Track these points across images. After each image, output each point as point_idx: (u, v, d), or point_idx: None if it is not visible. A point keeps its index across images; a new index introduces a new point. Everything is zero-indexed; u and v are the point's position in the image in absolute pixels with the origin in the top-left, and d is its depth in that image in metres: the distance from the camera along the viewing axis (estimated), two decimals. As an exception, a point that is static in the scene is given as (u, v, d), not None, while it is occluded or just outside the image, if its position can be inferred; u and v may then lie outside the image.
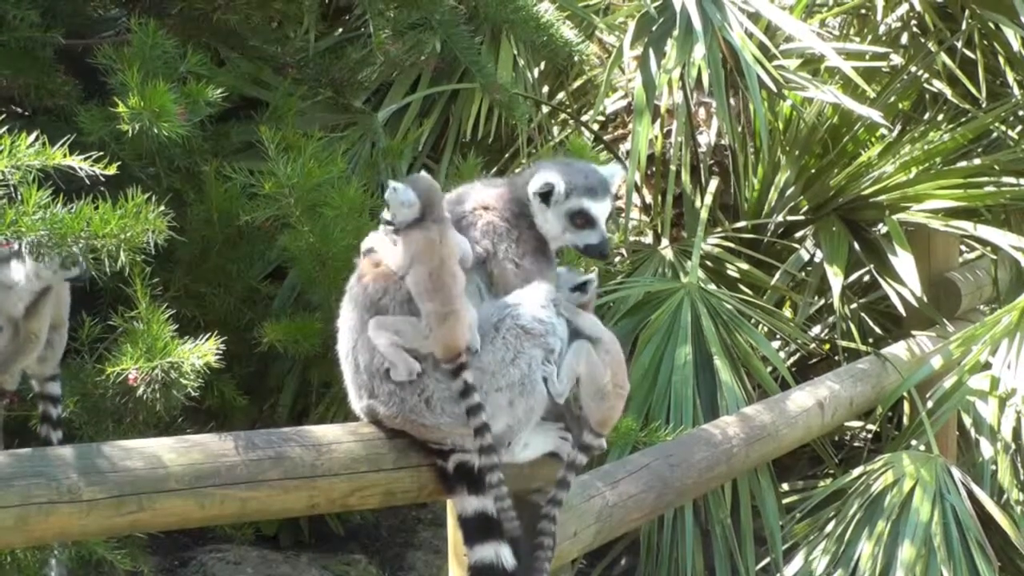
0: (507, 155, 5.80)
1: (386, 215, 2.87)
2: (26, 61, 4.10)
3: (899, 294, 5.17)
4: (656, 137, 5.81)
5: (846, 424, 5.53)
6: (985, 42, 5.90)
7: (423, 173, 2.98)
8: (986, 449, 4.87)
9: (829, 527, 4.59)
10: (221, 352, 3.28)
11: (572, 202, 2.94)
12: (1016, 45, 5.71)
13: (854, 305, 5.70)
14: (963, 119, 5.83)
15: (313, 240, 3.91)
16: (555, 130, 6.09)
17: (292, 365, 4.48)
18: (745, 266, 5.42)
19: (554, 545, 2.91)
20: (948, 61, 5.82)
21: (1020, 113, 6.00)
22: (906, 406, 5.23)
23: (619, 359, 2.93)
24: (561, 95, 6.28)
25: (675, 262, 5.26)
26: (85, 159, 2.71)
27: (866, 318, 5.80)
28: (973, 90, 5.79)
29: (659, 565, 4.63)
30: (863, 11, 6.26)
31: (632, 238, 5.86)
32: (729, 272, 5.43)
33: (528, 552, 2.87)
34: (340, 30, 5.66)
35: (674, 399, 4.62)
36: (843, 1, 6.23)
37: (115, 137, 3.60)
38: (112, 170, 2.73)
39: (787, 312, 5.67)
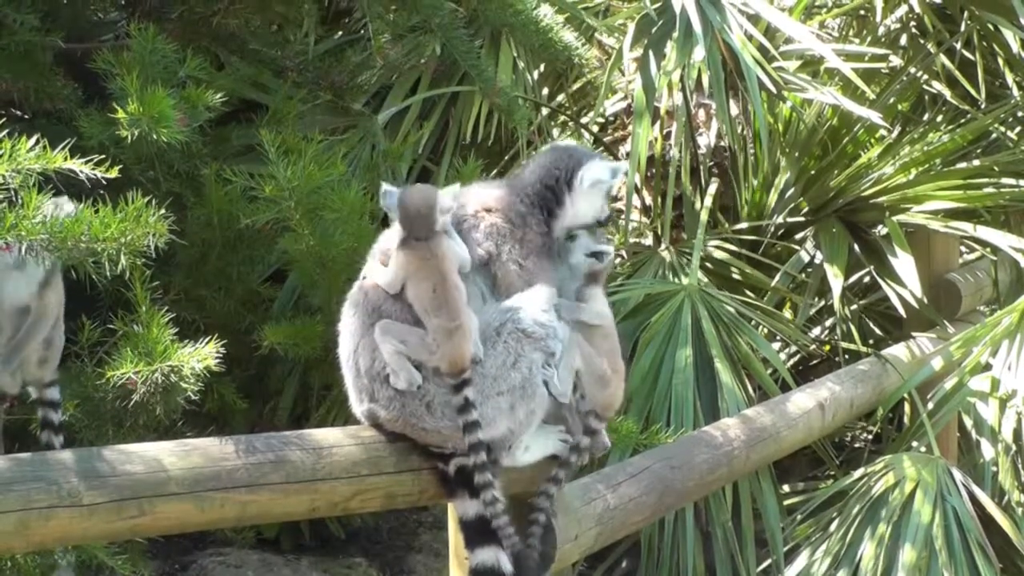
0: (507, 157, 5.79)
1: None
2: (26, 64, 4.10)
3: (899, 295, 5.17)
4: (656, 139, 5.80)
5: (846, 425, 5.52)
6: (984, 43, 5.89)
7: (419, 185, 2.95)
8: (987, 450, 4.86)
9: (830, 529, 4.58)
10: (221, 355, 3.29)
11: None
12: (1015, 46, 5.70)
13: (854, 306, 5.68)
14: (962, 120, 5.82)
15: (313, 243, 3.91)
16: (555, 132, 6.08)
17: (292, 368, 4.48)
18: (745, 268, 5.42)
19: (549, 523, 2.91)
20: (947, 62, 5.81)
21: (1019, 114, 5.99)
22: (907, 407, 5.22)
23: (615, 345, 2.95)
24: (561, 97, 6.28)
25: (675, 264, 5.24)
26: (85, 163, 2.70)
27: (866, 319, 5.79)
28: (972, 91, 5.78)
29: (660, 567, 4.62)
30: (862, 13, 6.26)
31: (632, 240, 5.85)
32: (729, 274, 5.43)
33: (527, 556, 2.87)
34: (340, 33, 5.67)
35: (675, 401, 4.61)
36: (842, 3, 6.22)
37: (115, 141, 3.59)
38: (113, 174, 2.73)
39: (787, 314, 5.65)
